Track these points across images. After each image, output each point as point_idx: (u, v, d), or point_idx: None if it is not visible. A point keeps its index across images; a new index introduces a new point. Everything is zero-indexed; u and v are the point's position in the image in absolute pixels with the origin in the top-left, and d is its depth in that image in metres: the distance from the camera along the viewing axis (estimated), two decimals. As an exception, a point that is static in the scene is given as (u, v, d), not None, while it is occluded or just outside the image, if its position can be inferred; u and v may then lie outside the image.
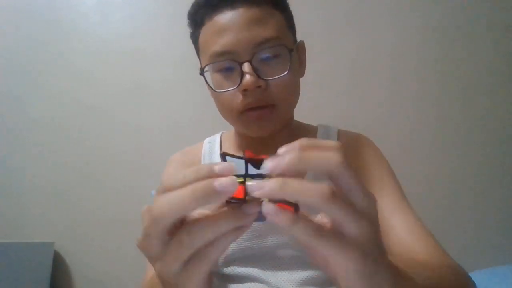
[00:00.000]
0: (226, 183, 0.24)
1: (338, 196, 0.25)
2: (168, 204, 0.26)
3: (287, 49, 0.54)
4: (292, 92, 0.59)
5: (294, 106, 0.62)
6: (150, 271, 0.62)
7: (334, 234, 0.26)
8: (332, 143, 0.27)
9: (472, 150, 1.12)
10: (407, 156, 1.12)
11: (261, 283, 0.59)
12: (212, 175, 0.25)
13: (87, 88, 1.28)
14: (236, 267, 0.61)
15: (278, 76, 0.53)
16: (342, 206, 0.25)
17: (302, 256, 0.59)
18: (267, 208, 0.24)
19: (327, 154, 0.26)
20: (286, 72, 0.54)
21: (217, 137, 0.74)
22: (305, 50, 0.65)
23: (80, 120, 1.27)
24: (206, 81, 0.58)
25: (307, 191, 0.24)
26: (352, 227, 0.26)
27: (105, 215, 1.23)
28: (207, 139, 0.74)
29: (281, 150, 0.26)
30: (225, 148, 0.70)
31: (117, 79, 1.27)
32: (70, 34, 1.29)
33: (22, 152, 1.27)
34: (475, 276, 0.80)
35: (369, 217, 0.27)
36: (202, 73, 0.58)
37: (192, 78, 1.23)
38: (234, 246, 0.61)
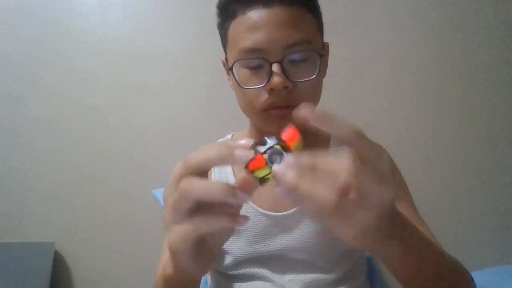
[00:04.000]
0: (244, 153, 0.30)
1: (342, 204, 0.28)
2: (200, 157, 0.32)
3: (319, 54, 0.55)
4: (316, 94, 0.59)
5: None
6: (165, 257, 0.63)
7: (335, 215, 0.30)
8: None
9: (472, 149, 1.12)
10: (406, 155, 1.12)
11: (267, 282, 0.60)
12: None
13: (87, 88, 1.28)
14: (243, 269, 0.61)
15: (306, 79, 0.54)
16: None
17: (309, 259, 0.60)
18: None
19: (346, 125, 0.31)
20: (315, 76, 0.54)
21: (227, 138, 0.74)
22: (328, 52, 0.65)
23: (80, 120, 1.27)
24: (234, 77, 0.57)
25: (313, 198, 0.29)
26: (357, 220, 0.30)
27: (106, 215, 1.23)
28: (218, 142, 0.74)
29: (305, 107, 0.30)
30: None
31: (117, 79, 1.27)
32: (70, 34, 1.29)
33: (22, 152, 1.27)
34: (475, 276, 0.80)
35: (380, 210, 0.31)
36: (231, 69, 0.58)
37: (192, 78, 1.24)
38: (243, 248, 0.61)
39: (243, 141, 0.32)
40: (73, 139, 1.27)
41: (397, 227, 0.36)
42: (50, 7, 1.30)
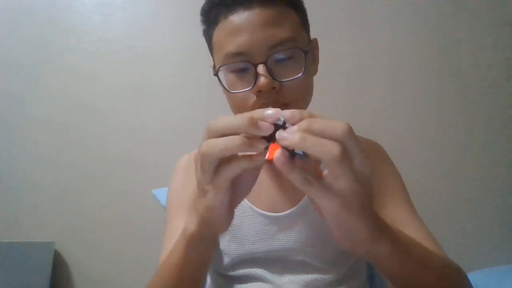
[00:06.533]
0: (267, 126, 0.33)
1: (345, 156, 0.31)
2: (217, 145, 0.34)
3: (303, 51, 0.54)
4: (306, 92, 0.59)
5: (307, 106, 0.61)
6: (167, 246, 0.63)
7: (320, 184, 0.33)
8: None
9: (472, 149, 1.12)
10: (406, 155, 1.12)
11: (266, 283, 0.60)
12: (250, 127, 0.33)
13: (87, 88, 1.28)
14: (242, 269, 0.61)
15: (293, 77, 0.53)
16: (346, 165, 0.32)
17: (307, 260, 0.60)
18: (277, 155, 0.32)
19: (336, 125, 0.32)
20: (301, 74, 0.53)
21: None
22: (318, 48, 0.64)
23: (80, 120, 1.27)
24: (220, 82, 0.57)
25: (322, 147, 0.31)
26: (345, 181, 0.32)
27: (105, 215, 1.23)
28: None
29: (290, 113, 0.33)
30: None
31: (117, 79, 1.27)
32: (70, 34, 1.29)
33: (22, 152, 1.28)
34: (475, 276, 0.81)
35: (362, 178, 0.33)
36: (216, 74, 0.57)
37: (192, 78, 1.24)
38: (241, 248, 0.61)
39: (269, 112, 0.34)
40: (73, 139, 1.27)
41: (387, 231, 0.37)
42: (50, 7, 1.30)
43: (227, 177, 0.36)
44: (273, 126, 0.33)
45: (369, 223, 0.35)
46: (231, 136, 0.34)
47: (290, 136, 0.32)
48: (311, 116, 0.33)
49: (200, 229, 0.41)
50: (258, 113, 0.34)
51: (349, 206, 0.33)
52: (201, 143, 0.35)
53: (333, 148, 0.31)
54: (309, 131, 0.32)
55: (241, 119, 0.33)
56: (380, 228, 0.37)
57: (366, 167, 0.33)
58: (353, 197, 0.33)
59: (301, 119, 0.33)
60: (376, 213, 0.38)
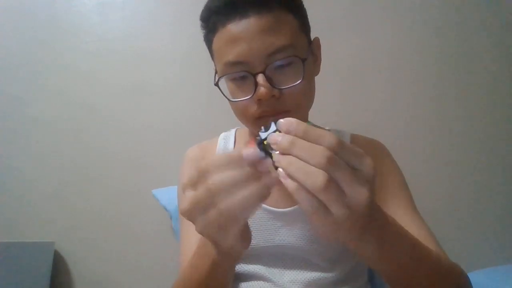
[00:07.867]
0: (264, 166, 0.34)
1: (330, 186, 0.30)
2: (222, 183, 0.33)
3: (300, 59, 0.54)
4: (306, 97, 0.58)
5: (309, 109, 0.61)
6: (184, 253, 0.64)
7: (325, 212, 0.31)
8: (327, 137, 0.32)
9: (472, 150, 1.12)
10: (406, 156, 1.12)
11: (266, 281, 0.60)
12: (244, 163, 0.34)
13: (87, 88, 1.28)
14: (243, 265, 0.62)
15: (292, 84, 0.53)
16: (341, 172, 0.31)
17: (308, 257, 0.60)
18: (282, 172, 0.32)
19: (322, 140, 0.31)
20: (300, 81, 0.53)
21: (231, 133, 0.75)
22: (320, 47, 0.64)
23: (80, 120, 1.27)
24: (221, 91, 0.57)
25: (305, 175, 0.30)
26: (334, 208, 0.31)
27: (105, 215, 1.23)
28: (222, 135, 0.76)
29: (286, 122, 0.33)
30: (239, 144, 0.72)
31: (117, 79, 1.27)
32: (70, 34, 1.29)
33: (22, 152, 1.27)
34: (475, 276, 0.80)
35: (354, 202, 0.31)
36: (216, 84, 0.58)
37: (192, 78, 1.24)
38: None
39: (248, 155, 0.34)
40: (73, 139, 1.27)
41: (374, 229, 0.36)
42: (50, 7, 1.30)
43: (240, 223, 0.36)
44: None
45: (356, 233, 0.35)
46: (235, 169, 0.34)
47: (278, 158, 0.33)
48: (297, 132, 0.32)
49: (223, 256, 0.43)
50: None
51: (336, 227, 0.33)
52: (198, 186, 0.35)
53: (317, 178, 0.30)
54: (291, 153, 0.31)
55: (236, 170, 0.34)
56: (362, 237, 0.36)
57: (358, 199, 0.31)
58: (340, 223, 0.32)
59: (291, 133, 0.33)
60: (365, 218, 0.35)
